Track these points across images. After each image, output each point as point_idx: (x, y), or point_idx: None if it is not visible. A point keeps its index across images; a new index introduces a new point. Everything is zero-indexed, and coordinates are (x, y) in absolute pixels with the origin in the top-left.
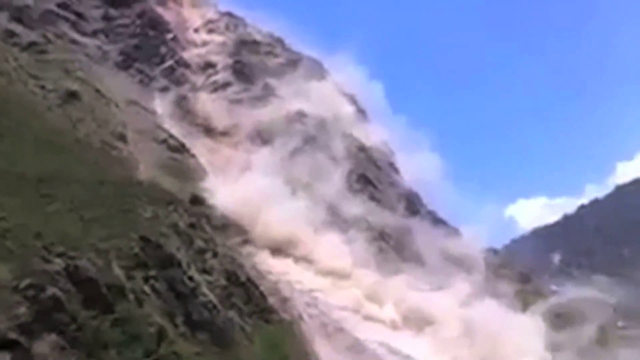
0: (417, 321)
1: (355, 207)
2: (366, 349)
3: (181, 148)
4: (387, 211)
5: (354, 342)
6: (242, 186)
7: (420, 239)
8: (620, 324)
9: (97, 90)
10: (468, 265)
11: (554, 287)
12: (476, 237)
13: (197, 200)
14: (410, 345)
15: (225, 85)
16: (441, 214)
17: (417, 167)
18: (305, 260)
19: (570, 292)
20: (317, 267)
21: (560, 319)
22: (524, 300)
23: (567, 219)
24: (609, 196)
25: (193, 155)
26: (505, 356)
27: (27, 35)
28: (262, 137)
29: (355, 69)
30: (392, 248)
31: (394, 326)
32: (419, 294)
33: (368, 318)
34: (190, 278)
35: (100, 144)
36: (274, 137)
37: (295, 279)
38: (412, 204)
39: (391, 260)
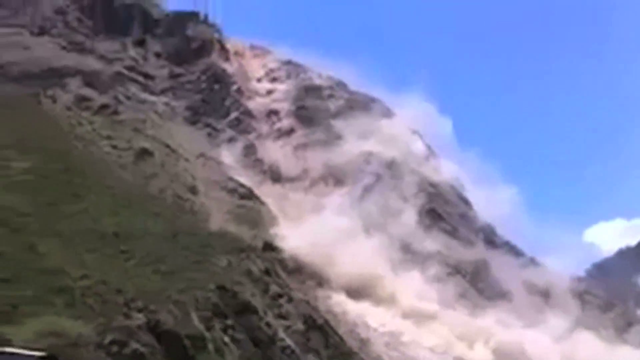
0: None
1: (430, 243)
2: None
3: (251, 196)
4: (462, 245)
5: None
6: (314, 228)
7: (501, 272)
8: None
9: (167, 146)
10: (554, 296)
11: (638, 312)
12: (557, 266)
13: (269, 247)
14: None
15: (290, 131)
16: (518, 244)
17: (490, 199)
18: (386, 301)
19: None
20: (400, 307)
21: None
22: (615, 328)
23: None
24: None
25: (263, 203)
26: None
27: (99, 98)
28: (332, 179)
29: (422, 106)
30: (470, 283)
31: None
32: (511, 331)
33: (458, 359)
34: (268, 324)
35: (172, 197)
36: (343, 179)
37: (375, 320)
38: (487, 237)
39: (473, 297)
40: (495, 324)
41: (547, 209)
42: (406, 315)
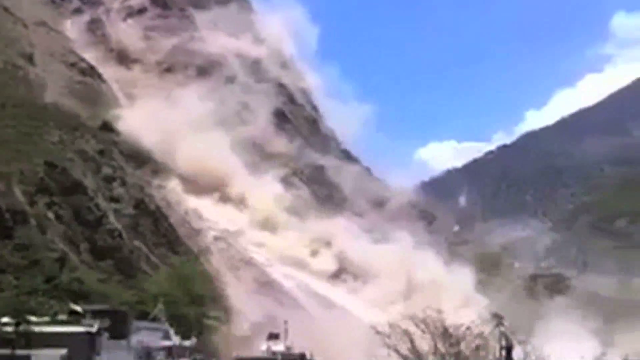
0: (353, 269)
1: (279, 145)
2: (276, 284)
3: (92, 73)
4: (311, 151)
5: (263, 277)
6: (160, 115)
7: (344, 181)
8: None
9: (6, 9)
10: (394, 209)
11: (456, 228)
12: (392, 182)
13: (106, 127)
14: (331, 289)
15: (142, 10)
16: (360, 156)
17: (342, 112)
18: (234, 201)
19: (495, 237)
20: (248, 209)
21: (486, 263)
22: (448, 245)
23: (475, 163)
24: (516, 143)
25: (104, 81)
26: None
27: None
28: (186, 69)
29: (292, 10)
30: (315, 188)
31: (320, 271)
32: (357, 242)
33: (298, 263)
34: (97, 205)
35: (4, 64)
36: (199, 71)
37: (212, 214)
38: (331, 145)
39: (318, 203)
40: (343, 234)
41: (391, 127)
42: (254, 218)
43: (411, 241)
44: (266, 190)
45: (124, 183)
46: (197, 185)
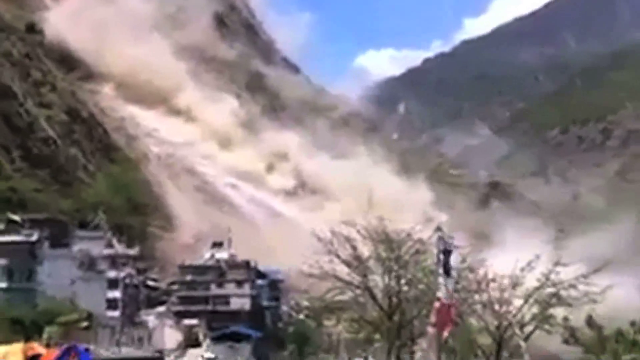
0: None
1: (223, 51)
2: (221, 195)
3: None
4: (249, 59)
5: (209, 188)
6: (92, 17)
7: (288, 91)
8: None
9: None
10: (341, 119)
11: (395, 136)
12: (333, 89)
13: (32, 29)
14: (281, 202)
15: None
16: (300, 64)
17: (285, 23)
18: (181, 112)
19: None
20: (199, 123)
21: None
22: (400, 156)
23: (412, 71)
24: (454, 51)
25: None
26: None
27: None
28: None
29: None
30: (263, 101)
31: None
32: (314, 159)
33: (254, 179)
34: (27, 111)
35: None
36: None
37: (151, 123)
38: (269, 53)
39: (268, 117)
40: (298, 150)
41: (330, 35)
42: (204, 132)
43: (367, 157)
44: (216, 104)
45: (54, 88)
46: (134, 91)
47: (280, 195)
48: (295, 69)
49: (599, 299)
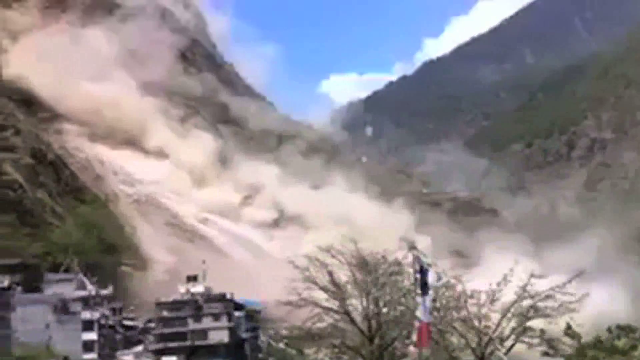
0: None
1: (190, 85)
2: (191, 227)
3: None
4: (215, 92)
5: (176, 221)
6: (55, 55)
7: (251, 118)
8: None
9: None
10: (299, 143)
11: (364, 159)
12: (297, 115)
13: None
14: (257, 235)
15: None
16: (259, 90)
17: (241, 52)
18: (153, 153)
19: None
20: (173, 159)
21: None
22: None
23: (376, 93)
24: (415, 73)
25: None
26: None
27: None
28: (72, 4)
29: None
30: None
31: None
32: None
33: (225, 212)
34: None
35: None
36: (90, 8)
37: (123, 162)
38: (233, 85)
39: (232, 150)
40: (274, 182)
41: (297, 62)
42: (176, 168)
43: (344, 184)
44: (186, 140)
45: (17, 131)
46: (101, 130)
47: (257, 227)
48: (260, 98)
49: (576, 307)
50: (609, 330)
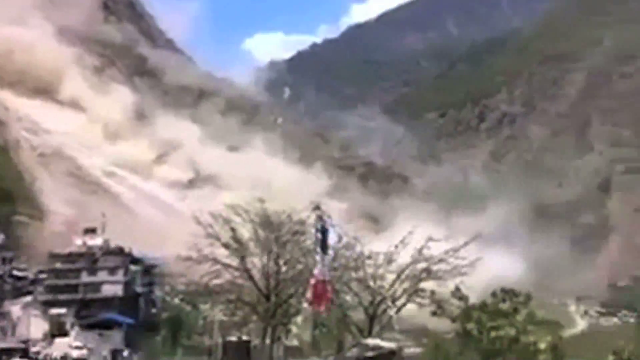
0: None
1: (110, 34)
2: (97, 180)
3: None
4: (135, 42)
5: (81, 173)
6: None
7: (170, 72)
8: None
9: None
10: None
11: (280, 120)
12: (219, 72)
13: None
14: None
15: None
16: (181, 45)
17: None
18: (65, 102)
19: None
20: (80, 109)
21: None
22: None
23: (299, 55)
24: (341, 36)
25: None
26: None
27: None
28: None
29: None
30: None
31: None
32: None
33: (137, 169)
34: None
35: None
36: None
37: (25, 108)
38: (153, 37)
39: (152, 104)
40: (191, 141)
41: (221, 18)
42: (89, 121)
43: (263, 147)
44: (103, 93)
45: None
46: (9, 74)
47: (171, 186)
48: (180, 52)
49: (467, 271)
50: (494, 294)
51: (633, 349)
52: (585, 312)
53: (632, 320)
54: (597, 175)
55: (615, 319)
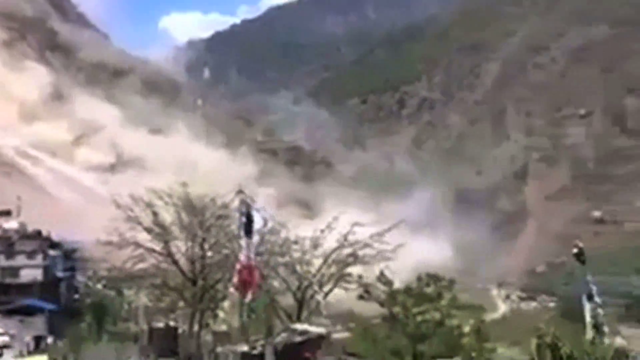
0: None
1: (20, 7)
2: (11, 162)
3: None
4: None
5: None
6: None
7: (85, 49)
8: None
9: None
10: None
11: (200, 102)
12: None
13: None
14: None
15: None
16: (94, 21)
17: None
18: None
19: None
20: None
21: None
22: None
23: (218, 35)
24: (260, 17)
25: None
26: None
27: None
28: None
29: None
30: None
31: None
32: (133, 134)
33: (54, 150)
34: None
35: None
36: None
37: None
38: (64, 10)
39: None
40: (112, 123)
41: None
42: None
43: (187, 130)
44: (17, 70)
45: None
46: None
47: (92, 169)
48: (93, 28)
49: (392, 256)
50: (419, 278)
51: (554, 331)
52: (507, 297)
53: (551, 304)
54: (514, 163)
55: (535, 303)
